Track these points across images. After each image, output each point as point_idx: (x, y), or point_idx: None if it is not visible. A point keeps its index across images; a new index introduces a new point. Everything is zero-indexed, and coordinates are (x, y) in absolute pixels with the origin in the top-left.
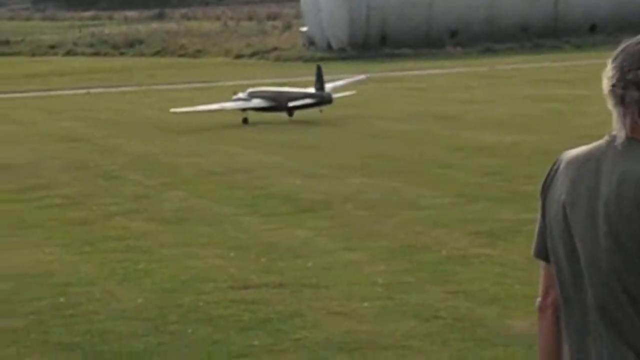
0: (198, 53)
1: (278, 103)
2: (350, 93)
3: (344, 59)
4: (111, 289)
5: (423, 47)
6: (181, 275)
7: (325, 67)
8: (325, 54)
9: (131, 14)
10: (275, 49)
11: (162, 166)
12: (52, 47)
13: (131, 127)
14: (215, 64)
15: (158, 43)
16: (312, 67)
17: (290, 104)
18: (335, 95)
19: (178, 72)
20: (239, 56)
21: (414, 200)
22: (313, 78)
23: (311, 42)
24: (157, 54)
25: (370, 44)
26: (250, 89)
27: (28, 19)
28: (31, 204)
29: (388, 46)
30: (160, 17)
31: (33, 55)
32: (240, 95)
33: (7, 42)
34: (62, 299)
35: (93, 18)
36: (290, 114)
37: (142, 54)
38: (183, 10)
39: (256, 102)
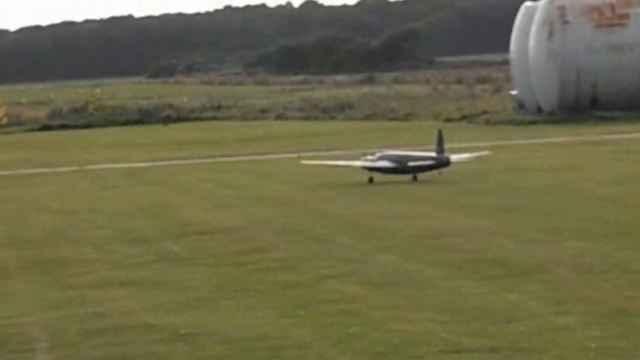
0: (408, 116)
1: (401, 165)
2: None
3: (554, 122)
4: (323, 352)
5: (634, 110)
6: (392, 339)
7: (535, 131)
8: (535, 117)
9: (341, 78)
10: (485, 112)
11: (372, 230)
12: (263, 111)
13: (341, 190)
14: (425, 127)
15: (368, 107)
16: (523, 131)
17: (410, 164)
18: (453, 158)
19: (388, 135)
20: (448, 119)
21: (626, 264)
22: (522, 141)
23: (521, 106)
24: (367, 117)
25: (581, 107)
26: (379, 153)
27: (239, 83)
28: (245, 268)
29: (598, 109)
30: (370, 81)
31: (244, 119)
32: (369, 157)
33: (219, 107)
34: None
35: (303, 82)
36: (415, 177)
37: (352, 118)
38: (392, 74)
39: (382, 164)
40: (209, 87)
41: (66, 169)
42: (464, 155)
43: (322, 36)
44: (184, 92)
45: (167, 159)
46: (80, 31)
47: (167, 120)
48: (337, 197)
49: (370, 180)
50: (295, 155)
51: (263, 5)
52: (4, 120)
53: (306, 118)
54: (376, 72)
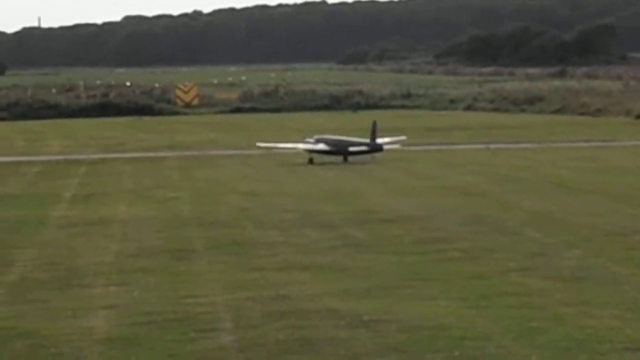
0: (598, 112)
1: (338, 148)
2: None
3: None
4: (505, 345)
5: None
6: (576, 335)
7: None
8: None
9: (532, 70)
10: None
11: (560, 224)
12: (453, 101)
13: (530, 184)
14: (615, 123)
15: (558, 101)
16: None
17: (351, 149)
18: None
19: (577, 129)
20: (639, 116)
21: None
22: None
23: None
24: (557, 111)
25: None
26: (317, 136)
27: (430, 72)
28: (429, 257)
29: None
30: (562, 74)
31: (433, 108)
32: (308, 139)
33: (409, 95)
34: (456, 353)
35: (494, 74)
36: (346, 159)
37: (542, 111)
38: (584, 69)
39: (321, 146)
40: (399, 75)
41: (254, 151)
42: (386, 139)
43: (514, 28)
44: (374, 79)
45: None
46: (274, 15)
47: (356, 107)
48: (525, 189)
49: (311, 161)
50: (483, 146)
51: None
52: (196, 101)
53: (496, 110)
54: (568, 66)
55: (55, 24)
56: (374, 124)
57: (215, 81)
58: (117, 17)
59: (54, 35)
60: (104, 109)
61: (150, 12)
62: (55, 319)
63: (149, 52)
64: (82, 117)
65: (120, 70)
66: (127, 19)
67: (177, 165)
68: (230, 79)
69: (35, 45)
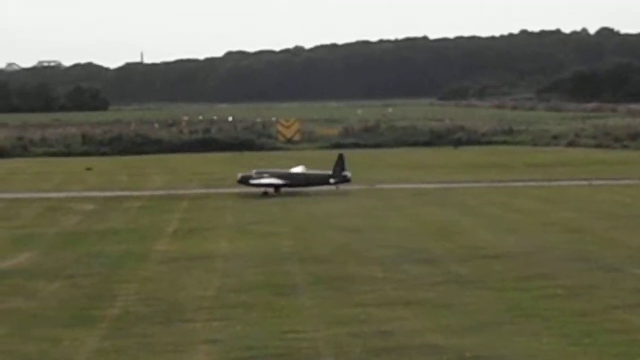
0: None
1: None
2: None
3: None
4: None
5: None
6: None
7: None
8: None
9: (635, 107)
10: None
11: None
12: (555, 137)
13: (633, 221)
14: None
15: None
16: None
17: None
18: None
19: None
20: None
21: None
22: None
23: None
24: None
25: None
26: (261, 170)
27: (532, 109)
28: (531, 293)
29: None
30: None
31: (535, 145)
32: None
33: (511, 131)
34: None
35: (596, 110)
36: (277, 191)
37: None
38: None
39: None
40: (500, 111)
41: (355, 187)
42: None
43: (617, 64)
44: (476, 115)
45: (456, 182)
46: (375, 51)
47: (458, 143)
48: (628, 226)
49: (265, 193)
50: (586, 182)
51: (558, 31)
52: (297, 137)
53: (598, 146)
54: None
55: (158, 59)
56: (341, 156)
57: (316, 117)
58: (219, 53)
59: (156, 71)
60: (206, 144)
61: (252, 48)
62: (158, 354)
63: (251, 88)
64: (184, 153)
65: (222, 105)
66: (229, 54)
67: (278, 201)
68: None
69: (137, 81)
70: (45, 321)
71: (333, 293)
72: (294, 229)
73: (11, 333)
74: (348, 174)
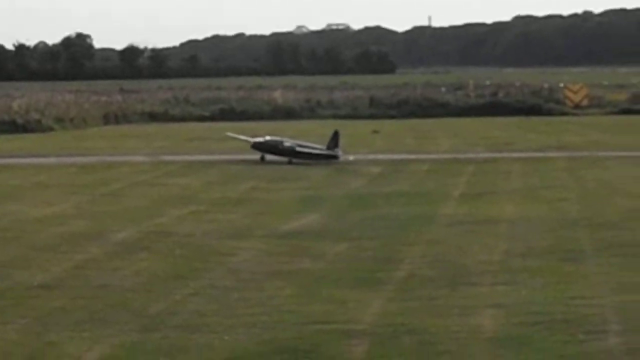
0: None
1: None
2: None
3: None
4: None
5: None
6: None
7: None
8: None
9: None
10: None
11: None
12: None
13: None
14: None
15: None
16: None
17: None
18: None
19: None
20: None
21: None
22: None
23: None
24: None
25: None
26: (269, 137)
27: None
28: None
29: None
30: None
31: None
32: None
33: None
34: None
35: None
36: (290, 161)
37: None
38: None
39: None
40: None
41: None
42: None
43: None
44: None
45: None
46: None
47: None
48: None
49: (262, 158)
50: None
51: None
52: (585, 102)
53: None
54: None
55: (446, 23)
56: (336, 132)
57: (606, 83)
58: (507, 17)
59: (443, 35)
60: (493, 108)
61: (540, 12)
62: (443, 317)
63: (538, 52)
64: (470, 116)
65: (509, 69)
66: (517, 18)
67: (566, 166)
68: (620, 79)
69: (425, 44)
70: (330, 282)
71: (620, 259)
72: (581, 194)
73: (297, 293)
74: (339, 151)
